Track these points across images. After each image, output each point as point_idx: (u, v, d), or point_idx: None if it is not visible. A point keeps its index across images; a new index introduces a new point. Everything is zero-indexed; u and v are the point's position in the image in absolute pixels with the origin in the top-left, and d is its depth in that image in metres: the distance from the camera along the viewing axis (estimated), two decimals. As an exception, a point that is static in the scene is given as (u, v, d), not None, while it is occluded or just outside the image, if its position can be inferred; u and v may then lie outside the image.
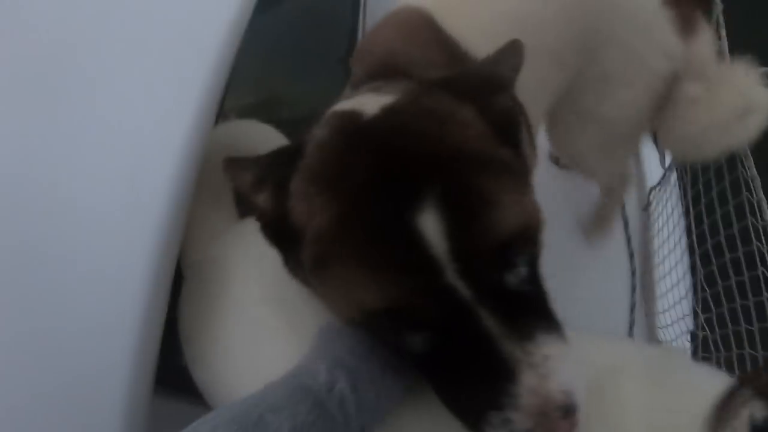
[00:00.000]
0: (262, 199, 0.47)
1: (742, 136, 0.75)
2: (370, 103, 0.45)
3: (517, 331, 0.37)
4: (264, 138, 0.82)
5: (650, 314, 0.98)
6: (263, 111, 0.94)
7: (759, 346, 0.77)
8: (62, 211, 0.58)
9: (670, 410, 0.44)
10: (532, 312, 0.39)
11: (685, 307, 0.91)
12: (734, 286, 0.81)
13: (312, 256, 0.41)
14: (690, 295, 0.93)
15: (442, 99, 0.45)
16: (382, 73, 0.60)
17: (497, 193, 0.39)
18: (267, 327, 0.55)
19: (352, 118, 0.44)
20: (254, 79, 1.05)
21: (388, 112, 0.43)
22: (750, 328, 0.79)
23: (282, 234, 0.45)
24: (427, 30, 0.69)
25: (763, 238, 0.75)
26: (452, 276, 0.36)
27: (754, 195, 0.76)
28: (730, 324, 0.83)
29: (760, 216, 0.75)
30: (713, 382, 0.46)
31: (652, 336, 0.97)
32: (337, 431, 0.41)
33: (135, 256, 0.56)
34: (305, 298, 0.49)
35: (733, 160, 0.82)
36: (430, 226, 0.36)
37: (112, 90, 0.64)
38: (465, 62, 0.64)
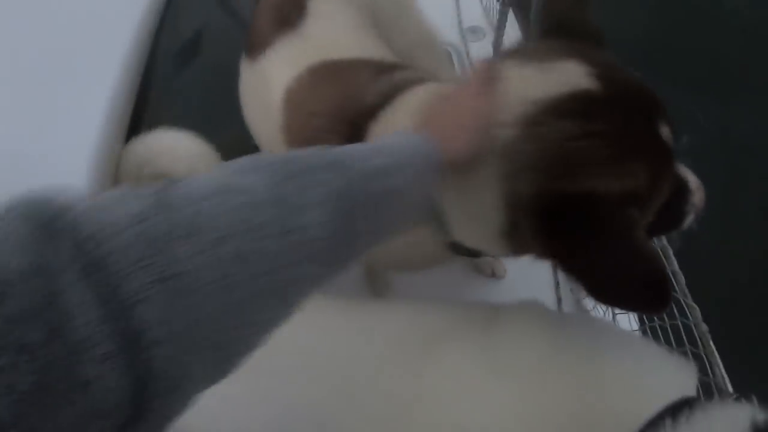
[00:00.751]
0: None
1: None
2: (571, 79, 0.56)
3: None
4: (188, 149, 0.85)
5: (575, 289, 1.06)
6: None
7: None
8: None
9: (489, 371, 0.52)
10: None
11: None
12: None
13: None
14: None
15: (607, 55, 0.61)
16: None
17: None
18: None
19: (585, 95, 0.55)
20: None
21: (606, 73, 0.56)
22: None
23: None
24: (343, 71, 0.79)
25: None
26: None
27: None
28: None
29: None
30: (539, 345, 0.54)
31: (580, 307, 1.05)
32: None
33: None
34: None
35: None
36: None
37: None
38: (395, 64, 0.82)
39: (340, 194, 0.40)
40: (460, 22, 1.66)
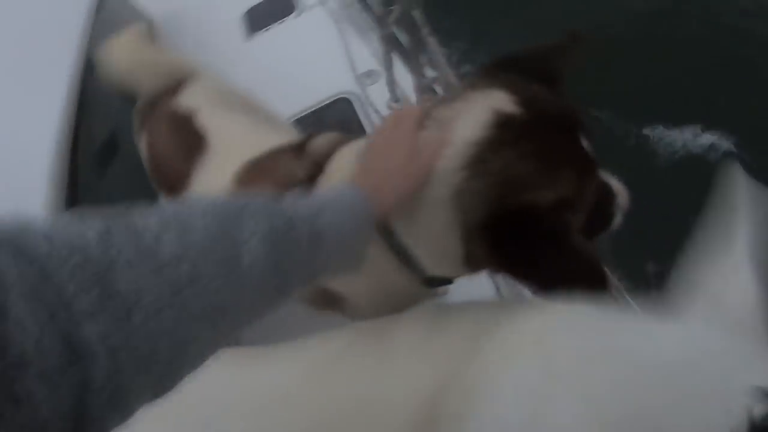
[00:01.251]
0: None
1: None
2: (493, 102, 0.62)
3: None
4: None
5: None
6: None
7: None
8: None
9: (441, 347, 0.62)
10: None
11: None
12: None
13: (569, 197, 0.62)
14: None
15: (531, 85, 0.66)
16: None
17: None
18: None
19: (502, 116, 0.61)
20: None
21: (527, 99, 0.63)
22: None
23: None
24: (265, 164, 0.84)
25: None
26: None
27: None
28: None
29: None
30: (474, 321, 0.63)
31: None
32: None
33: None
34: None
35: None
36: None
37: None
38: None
39: (268, 235, 0.46)
40: (354, 69, 1.77)
